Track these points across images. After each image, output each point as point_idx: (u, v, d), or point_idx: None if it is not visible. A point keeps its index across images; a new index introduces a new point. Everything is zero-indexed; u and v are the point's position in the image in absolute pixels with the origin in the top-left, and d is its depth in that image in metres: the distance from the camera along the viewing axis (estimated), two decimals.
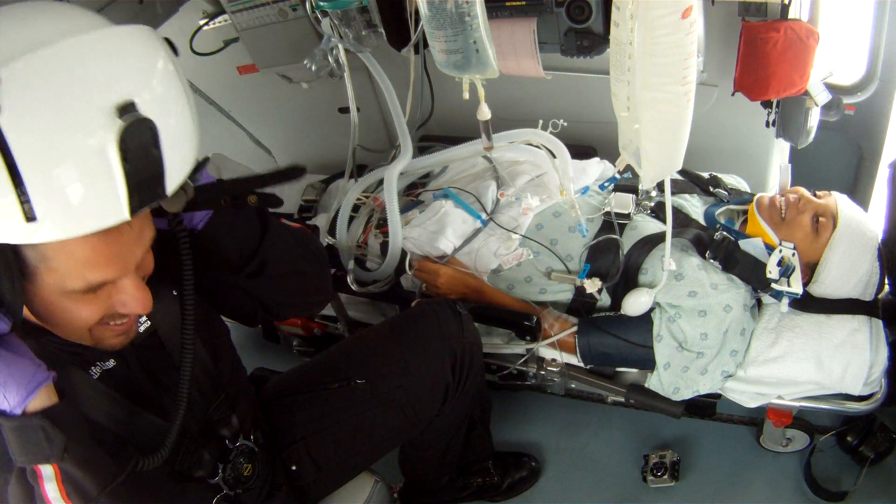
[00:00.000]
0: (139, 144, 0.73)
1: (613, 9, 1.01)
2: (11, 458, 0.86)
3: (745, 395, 1.63)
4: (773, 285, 1.53)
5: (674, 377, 1.57)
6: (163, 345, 1.10)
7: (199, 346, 1.18)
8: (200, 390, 1.18)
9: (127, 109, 0.71)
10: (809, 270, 1.59)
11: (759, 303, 1.64)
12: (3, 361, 0.81)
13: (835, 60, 1.53)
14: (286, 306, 1.28)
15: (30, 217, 0.69)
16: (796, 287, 1.52)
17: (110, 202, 0.73)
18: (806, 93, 1.49)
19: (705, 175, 1.92)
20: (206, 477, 1.16)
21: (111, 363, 1.00)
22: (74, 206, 0.71)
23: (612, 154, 1.33)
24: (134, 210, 0.75)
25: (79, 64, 0.70)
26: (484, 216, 1.79)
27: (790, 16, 1.40)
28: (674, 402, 1.63)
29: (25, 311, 0.85)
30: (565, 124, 1.73)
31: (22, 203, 0.68)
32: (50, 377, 0.85)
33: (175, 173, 0.80)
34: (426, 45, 1.25)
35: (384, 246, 1.80)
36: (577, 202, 1.71)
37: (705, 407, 1.84)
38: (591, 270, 1.66)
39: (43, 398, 0.84)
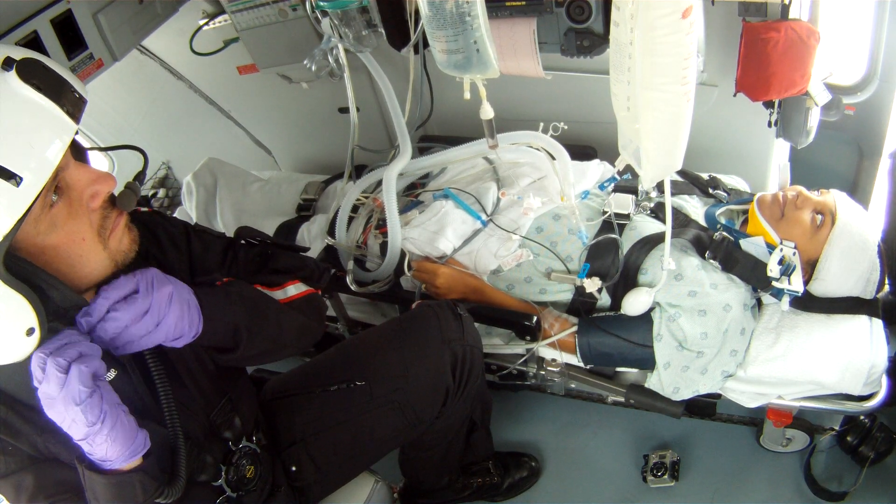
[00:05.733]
0: (36, 72, 0.83)
1: (613, 9, 1.01)
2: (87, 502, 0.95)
3: (745, 394, 1.63)
4: (774, 283, 1.53)
5: (674, 377, 1.57)
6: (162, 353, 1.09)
7: (201, 349, 1.18)
8: (203, 394, 1.18)
9: (7, 62, 0.81)
10: (809, 268, 1.59)
11: (759, 303, 1.64)
12: (110, 421, 0.89)
13: (835, 60, 1.53)
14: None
15: (17, 181, 0.78)
16: (797, 285, 1.52)
17: (56, 122, 0.82)
18: (806, 93, 1.49)
19: (705, 176, 1.92)
20: (210, 480, 1.16)
21: (112, 374, 0.99)
22: (41, 151, 0.80)
23: (612, 154, 1.33)
24: (75, 118, 0.85)
25: None
26: (484, 217, 1.79)
27: (790, 16, 1.40)
28: (674, 402, 1.63)
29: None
30: (566, 127, 1.73)
31: (10, 181, 0.77)
32: (147, 438, 0.94)
33: (78, 87, 0.89)
34: (426, 45, 1.25)
35: (384, 246, 1.80)
36: (577, 207, 1.71)
37: (705, 407, 1.84)
38: (591, 270, 1.66)
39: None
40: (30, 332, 0.82)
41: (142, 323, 0.94)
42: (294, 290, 1.32)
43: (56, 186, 0.87)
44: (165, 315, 0.96)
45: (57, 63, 0.89)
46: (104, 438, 0.89)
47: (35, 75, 0.82)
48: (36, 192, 0.79)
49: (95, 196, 0.91)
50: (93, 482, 0.93)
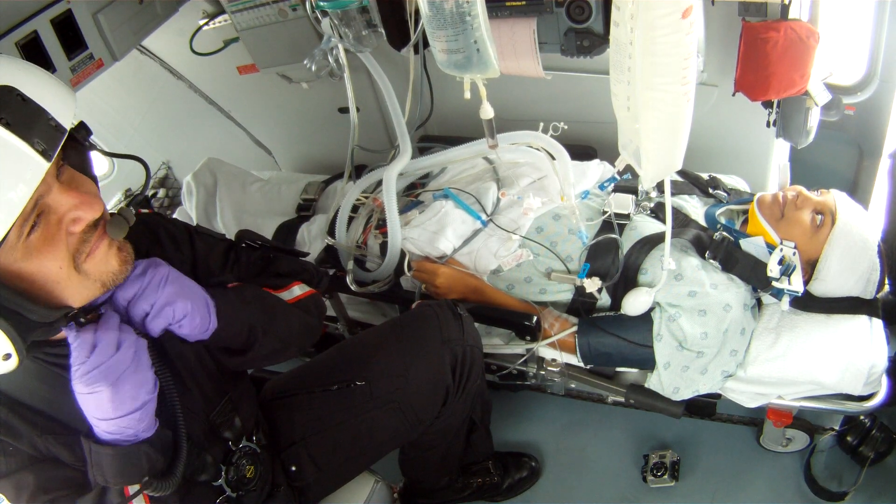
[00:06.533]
0: (8, 105, 0.77)
1: (613, 9, 1.01)
2: (90, 481, 0.96)
3: (745, 395, 1.63)
4: (774, 283, 1.53)
5: (674, 377, 1.57)
6: (163, 353, 1.10)
7: (202, 350, 1.18)
8: (203, 394, 1.18)
9: None
10: (809, 268, 1.59)
11: (759, 302, 1.64)
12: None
13: (835, 60, 1.53)
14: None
15: None
16: (797, 285, 1.52)
17: (24, 163, 0.76)
18: (806, 93, 1.49)
19: (705, 176, 1.92)
20: (210, 480, 1.17)
21: None
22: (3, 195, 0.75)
23: (612, 154, 1.33)
24: (48, 154, 0.78)
25: None
26: (484, 217, 1.79)
27: (790, 16, 1.40)
28: (674, 402, 1.63)
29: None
30: (566, 127, 1.73)
31: None
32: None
33: (60, 112, 0.82)
34: (426, 45, 1.25)
35: (384, 246, 1.80)
36: (577, 207, 1.71)
37: (705, 407, 1.84)
38: (591, 270, 1.66)
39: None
40: (6, 357, 0.82)
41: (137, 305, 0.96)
42: (299, 290, 1.33)
43: (38, 211, 0.83)
44: (159, 297, 0.97)
45: (43, 79, 0.84)
46: (152, 407, 0.95)
47: (5, 108, 0.76)
48: (2, 232, 0.75)
49: (77, 222, 0.86)
50: (99, 456, 0.94)
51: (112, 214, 0.94)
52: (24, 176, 0.76)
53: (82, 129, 0.92)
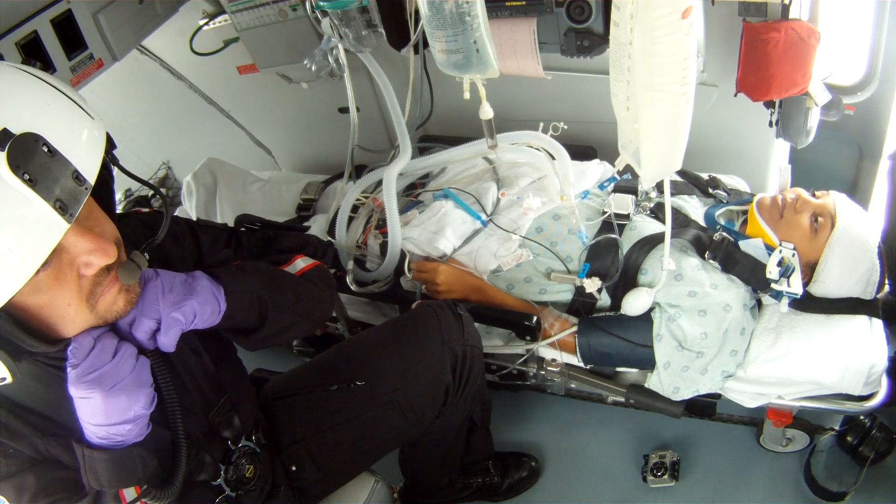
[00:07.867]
0: (32, 157, 0.71)
1: (613, 9, 1.01)
2: (84, 485, 0.95)
3: (745, 395, 1.63)
4: (773, 285, 1.53)
5: (674, 377, 1.57)
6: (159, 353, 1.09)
7: (200, 349, 1.18)
8: (202, 394, 1.18)
9: (3, 137, 0.69)
10: (809, 270, 1.59)
11: (759, 303, 1.64)
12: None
13: (835, 60, 1.53)
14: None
15: None
16: (796, 287, 1.52)
17: (43, 223, 0.72)
18: (806, 93, 1.49)
19: (704, 176, 1.92)
20: (209, 479, 1.16)
21: None
22: (17, 257, 0.71)
23: (612, 154, 1.33)
24: (71, 213, 0.74)
25: None
26: (484, 217, 1.79)
27: (791, 16, 1.40)
28: (674, 402, 1.64)
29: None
30: (566, 127, 1.74)
31: None
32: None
33: (87, 164, 0.78)
34: (426, 45, 1.25)
35: (384, 246, 1.80)
36: (577, 207, 1.71)
37: (705, 407, 1.84)
38: (591, 270, 1.66)
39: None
40: (1, 380, 0.82)
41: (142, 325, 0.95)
42: (302, 262, 1.32)
43: None
44: (163, 307, 0.96)
45: (73, 121, 0.79)
46: (145, 420, 0.94)
47: (29, 161, 0.70)
48: (13, 291, 0.73)
49: (89, 266, 0.84)
50: (93, 461, 0.93)
51: (125, 259, 0.92)
52: (41, 237, 0.73)
53: (107, 143, 0.88)
